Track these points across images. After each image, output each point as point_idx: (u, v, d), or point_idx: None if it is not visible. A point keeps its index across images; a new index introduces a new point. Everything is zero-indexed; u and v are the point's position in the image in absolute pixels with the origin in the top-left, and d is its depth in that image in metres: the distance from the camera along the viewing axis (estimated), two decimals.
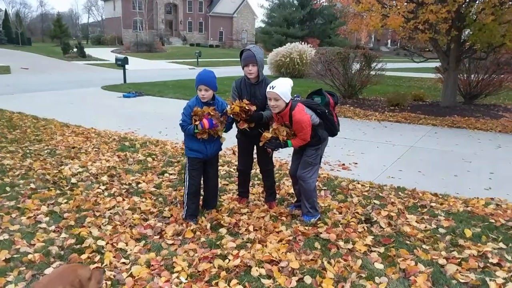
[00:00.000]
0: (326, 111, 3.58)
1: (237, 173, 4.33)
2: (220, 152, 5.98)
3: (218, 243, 3.27)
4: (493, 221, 3.76)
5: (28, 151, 5.94)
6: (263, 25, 56.81)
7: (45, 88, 14.42)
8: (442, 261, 3.02)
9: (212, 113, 3.46)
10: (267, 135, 3.49)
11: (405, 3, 9.23)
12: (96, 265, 2.89)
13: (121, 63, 16.40)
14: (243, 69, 3.64)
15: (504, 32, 9.12)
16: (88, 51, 34.63)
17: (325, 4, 40.68)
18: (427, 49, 12.22)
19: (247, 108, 3.46)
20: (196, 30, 61.11)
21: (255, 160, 4.08)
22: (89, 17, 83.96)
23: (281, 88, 3.35)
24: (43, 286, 1.74)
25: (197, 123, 3.44)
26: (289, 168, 4.08)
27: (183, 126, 3.53)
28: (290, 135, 3.51)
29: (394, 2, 9.67)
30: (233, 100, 3.62)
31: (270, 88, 3.37)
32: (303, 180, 3.63)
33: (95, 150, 6.06)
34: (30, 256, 2.98)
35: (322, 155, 3.77)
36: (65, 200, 4.09)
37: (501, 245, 3.29)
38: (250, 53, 3.56)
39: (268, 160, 4.00)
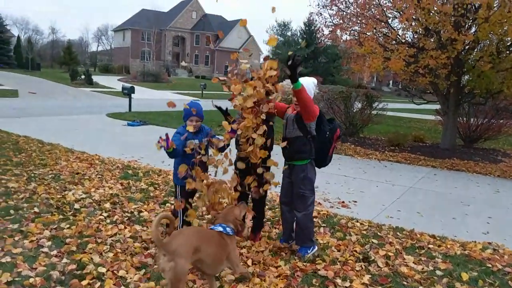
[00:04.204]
0: (327, 133, 3.70)
1: None
2: None
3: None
4: (490, 265, 3.80)
5: (32, 174, 6.02)
6: None
7: (51, 113, 14.67)
8: None
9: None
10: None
11: (407, 48, 9.56)
12: None
13: (128, 92, 16.72)
14: None
15: (502, 80, 9.41)
16: (95, 78, 35.32)
17: (329, 44, 41.78)
18: (428, 91, 12.51)
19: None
20: (202, 63, 62.50)
21: None
22: (98, 46, 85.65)
23: (305, 82, 3.56)
24: (223, 215, 3.03)
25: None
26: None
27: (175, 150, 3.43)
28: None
29: (395, 46, 10.00)
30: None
31: None
32: (299, 211, 3.67)
33: (99, 177, 6.15)
34: (31, 280, 3.02)
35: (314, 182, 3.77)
36: (68, 226, 4.14)
37: None
38: None
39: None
